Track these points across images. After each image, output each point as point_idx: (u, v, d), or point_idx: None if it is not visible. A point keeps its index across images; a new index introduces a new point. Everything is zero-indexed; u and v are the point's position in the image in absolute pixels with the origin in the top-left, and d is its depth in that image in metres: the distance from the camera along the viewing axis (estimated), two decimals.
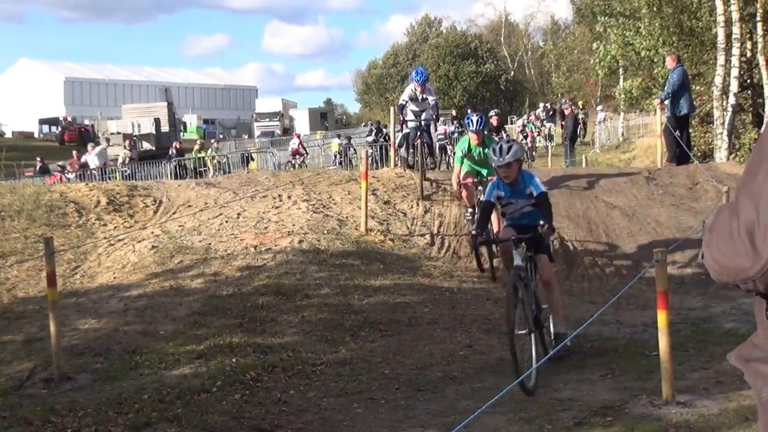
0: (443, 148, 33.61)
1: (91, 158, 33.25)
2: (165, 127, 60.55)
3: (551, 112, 51.63)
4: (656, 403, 7.67)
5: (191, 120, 79.21)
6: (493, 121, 23.92)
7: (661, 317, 7.67)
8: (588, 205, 16.69)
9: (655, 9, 29.01)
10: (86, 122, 76.46)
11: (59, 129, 77.60)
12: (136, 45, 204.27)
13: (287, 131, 76.98)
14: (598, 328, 10.98)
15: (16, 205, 16.90)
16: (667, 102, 19.42)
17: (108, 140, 48.60)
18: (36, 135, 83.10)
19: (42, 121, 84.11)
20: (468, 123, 14.79)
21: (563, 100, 43.34)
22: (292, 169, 32.47)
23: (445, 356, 10.32)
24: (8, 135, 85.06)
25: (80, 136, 70.64)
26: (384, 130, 37.65)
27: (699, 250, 14.53)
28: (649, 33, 29.52)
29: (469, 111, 18.95)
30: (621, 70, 39.98)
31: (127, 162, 34.44)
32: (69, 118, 77.96)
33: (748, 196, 1.86)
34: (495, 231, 13.35)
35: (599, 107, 55.97)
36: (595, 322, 8.78)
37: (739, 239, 1.85)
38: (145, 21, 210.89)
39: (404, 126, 18.02)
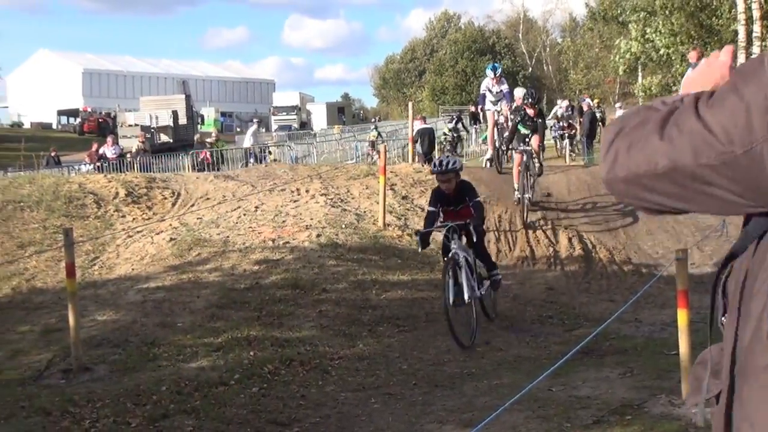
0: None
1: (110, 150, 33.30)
2: (182, 120, 60.47)
3: (571, 110, 51.42)
4: (676, 403, 7.63)
5: (209, 113, 79.12)
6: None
7: (682, 316, 7.62)
8: (607, 203, 16.64)
9: (667, 11, 28.89)
10: (109, 113, 76.40)
11: (78, 120, 77.69)
12: (156, 37, 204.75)
13: (304, 125, 76.98)
14: (617, 326, 10.93)
15: (35, 196, 16.97)
16: None
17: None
18: (54, 126, 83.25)
19: (60, 113, 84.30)
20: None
21: (582, 97, 43.15)
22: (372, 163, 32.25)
23: (462, 352, 10.30)
24: (27, 126, 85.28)
25: (99, 127, 70.75)
26: (463, 119, 38.34)
27: (718, 249, 14.48)
28: (669, 31, 29.39)
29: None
30: (640, 67, 39.82)
31: (139, 153, 34.42)
32: (88, 109, 78.07)
33: None
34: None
35: (617, 104, 55.79)
36: (614, 320, 8.74)
37: None
38: (165, 13, 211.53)
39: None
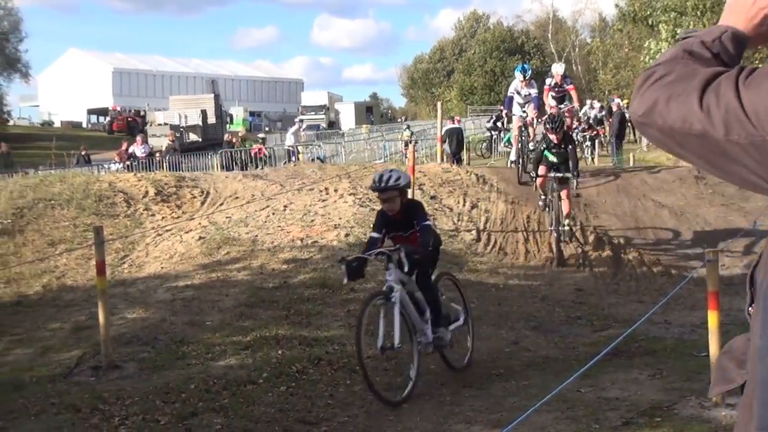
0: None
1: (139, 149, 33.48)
2: (211, 119, 60.71)
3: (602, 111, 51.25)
4: (705, 405, 7.58)
5: (237, 112, 79.40)
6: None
7: (712, 318, 7.58)
8: (636, 204, 16.57)
9: (699, 12, 28.69)
10: (139, 111, 76.72)
11: (108, 119, 78.08)
12: (186, 37, 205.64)
13: (332, 124, 77.09)
14: (646, 327, 10.87)
15: (66, 194, 17.08)
16: None
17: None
18: (84, 125, 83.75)
19: (90, 111, 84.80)
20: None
21: (611, 97, 42.99)
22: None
23: (490, 353, 10.28)
24: (57, 125, 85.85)
25: (128, 126, 71.09)
26: (504, 118, 38.29)
27: (749, 251, 14.39)
28: (703, 28, 29.21)
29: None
30: None
31: (168, 152, 34.59)
32: (118, 108, 78.45)
33: None
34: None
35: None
36: (643, 321, 8.70)
37: None
38: (195, 13, 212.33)
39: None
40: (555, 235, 14.80)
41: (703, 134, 1.63)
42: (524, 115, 19.02)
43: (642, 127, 1.78)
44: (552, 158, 15.03)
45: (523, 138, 18.96)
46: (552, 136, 14.97)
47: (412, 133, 41.43)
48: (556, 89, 19.87)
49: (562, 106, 19.55)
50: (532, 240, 15.32)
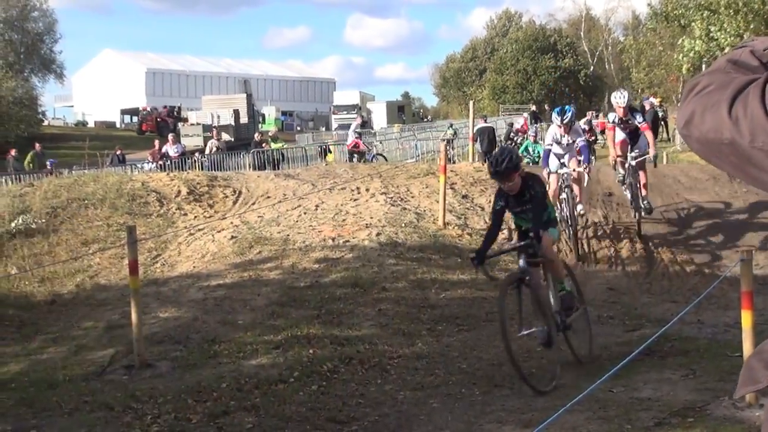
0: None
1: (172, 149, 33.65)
2: (244, 119, 60.96)
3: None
4: (739, 406, 7.52)
5: (269, 112, 79.58)
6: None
7: (746, 318, 7.52)
8: (669, 203, 16.46)
9: (731, 11, 28.45)
10: (172, 110, 76.90)
11: (138, 119, 78.35)
12: (218, 37, 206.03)
13: (364, 124, 77.13)
14: (679, 327, 10.78)
15: (99, 194, 17.19)
16: None
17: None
18: (118, 125, 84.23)
19: (123, 112, 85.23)
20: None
21: (645, 96, 42.74)
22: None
23: (522, 352, 10.22)
24: (91, 125, 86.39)
25: (157, 126, 71.32)
26: (539, 117, 38.18)
27: None
28: (734, 30, 28.99)
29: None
30: (704, 66, 39.31)
31: (214, 151, 34.79)
32: (148, 108, 78.71)
33: None
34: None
35: (681, 104, 55.01)
36: (676, 321, 8.64)
37: None
38: (227, 13, 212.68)
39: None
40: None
41: (732, 142, 1.64)
42: (563, 172, 14.75)
43: (685, 139, 1.82)
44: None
45: (566, 202, 14.76)
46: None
47: (455, 132, 41.27)
48: (622, 125, 15.10)
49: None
50: (564, 239, 15.25)
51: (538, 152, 24.63)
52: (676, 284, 13.84)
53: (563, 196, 14.72)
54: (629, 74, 77.87)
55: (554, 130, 14.99)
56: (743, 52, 1.80)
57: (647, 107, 33.84)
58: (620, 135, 15.19)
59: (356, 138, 35.93)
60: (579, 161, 14.65)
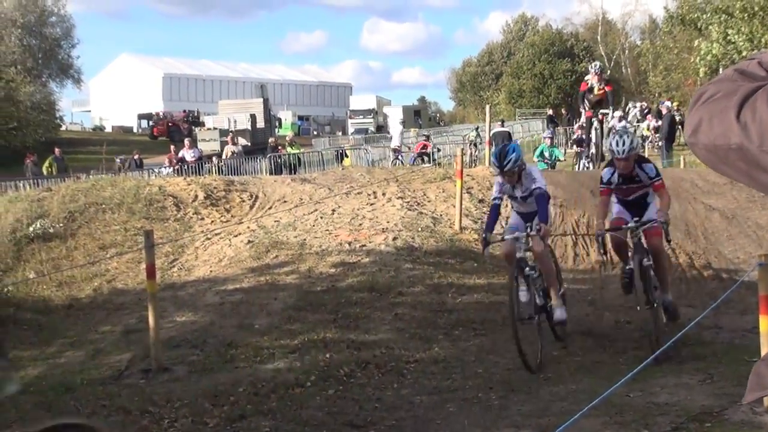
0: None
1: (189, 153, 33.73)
2: (260, 123, 61.09)
3: (647, 111, 50.89)
4: (757, 411, 7.48)
5: (286, 116, 79.81)
6: None
7: (764, 322, 7.49)
8: (686, 207, 16.40)
9: (746, 15, 28.36)
10: (189, 115, 76.97)
11: (150, 124, 78.36)
12: (235, 41, 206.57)
13: (381, 128, 77.14)
14: (697, 332, 10.73)
15: (117, 198, 17.25)
16: None
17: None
18: (135, 130, 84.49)
19: (140, 116, 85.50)
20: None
21: (662, 100, 42.66)
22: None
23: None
24: (108, 129, 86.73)
25: (168, 131, 71.37)
26: (556, 121, 38.41)
27: None
28: (750, 32, 28.90)
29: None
30: (721, 69, 39.23)
31: (230, 156, 34.88)
32: (161, 114, 78.75)
33: None
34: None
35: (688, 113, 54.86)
36: (694, 325, 8.60)
37: None
38: (244, 18, 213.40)
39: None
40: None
41: (740, 147, 1.65)
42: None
43: (692, 148, 1.84)
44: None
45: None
46: None
47: (478, 135, 41.28)
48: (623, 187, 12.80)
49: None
50: (581, 244, 15.22)
51: (556, 156, 24.67)
52: (693, 288, 13.78)
53: (520, 280, 10.19)
54: (646, 78, 77.72)
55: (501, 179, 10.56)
56: (751, 63, 1.82)
57: (664, 111, 33.81)
58: (616, 208, 10.72)
59: (424, 140, 36.13)
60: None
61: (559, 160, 26.69)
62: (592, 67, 20.91)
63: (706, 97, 1.77)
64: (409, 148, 36.97)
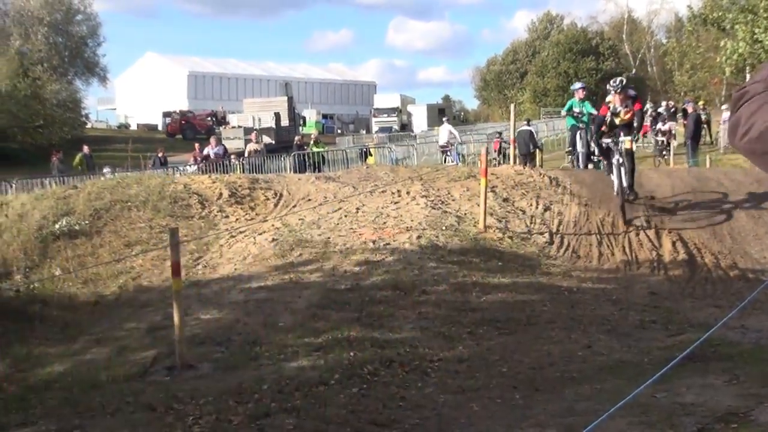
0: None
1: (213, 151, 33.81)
2: (285, 122, 61.21)
3: (673, 110, 50.59)
4: None
5: (310, 115, 79.88)
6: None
7: None
8: (711, 207, 16.31)
9: None
10: (212, 114, 77.13)
11: (166, 122, 78.58)
12: (262, 40, 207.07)
13: (405, 127, 77.12)
14: (722, 332, 10.67)
15: (142, 196, 17.33)
16: None
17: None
18: (160, 128, 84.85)
19: (165, 114, 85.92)
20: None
21: (686, 99, 42.41)
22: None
23: (563, 356, 10.18)
24: (133, 127, 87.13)
25: (181, 129, 71.50)
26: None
27: None
28: None
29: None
30: (748, 69, 38.98)
31: (253, 154, 34.95)
32: (177, 112, 78.87)
33: None
34: None
35: (724, 106, 54.64)
36: (720, 326, 8.55)
37: None
38: (271, 16, 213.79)
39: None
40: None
41: None
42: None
43: (741, 146, 1.84)
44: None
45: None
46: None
47: (500, 134, 41.20)
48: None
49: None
50: (606, 243, 15.16)
51: (588, 111, 22.52)
52: (719, 289, 13.70)
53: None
54: (672, 77, 77.35)
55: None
56: None
57: (689, 110, 33.60)
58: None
59: (497, 138, 36.11)
60: None
61: (592, 115, 23.88)
62: (611, 86, 16.85)
63: (750, 95, 1.78)
64: (451, 144, 36.75)
